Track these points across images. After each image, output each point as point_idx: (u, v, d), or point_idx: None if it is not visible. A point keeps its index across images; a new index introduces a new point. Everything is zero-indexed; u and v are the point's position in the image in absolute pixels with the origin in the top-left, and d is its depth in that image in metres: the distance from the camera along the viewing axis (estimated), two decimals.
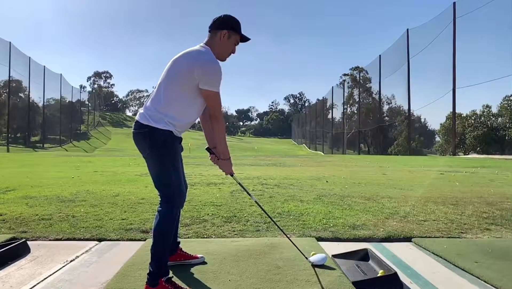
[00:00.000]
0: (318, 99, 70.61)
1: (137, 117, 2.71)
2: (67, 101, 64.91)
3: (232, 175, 2.96)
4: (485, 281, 2.86)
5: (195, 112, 2.73)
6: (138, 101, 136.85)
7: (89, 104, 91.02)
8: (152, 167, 2.68)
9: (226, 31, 2.73)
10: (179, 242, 3.18)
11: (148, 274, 2.59)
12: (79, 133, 71.19)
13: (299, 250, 2.85)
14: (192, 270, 3.03)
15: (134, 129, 2.69)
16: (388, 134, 49.53)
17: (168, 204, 2.63)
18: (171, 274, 2.66)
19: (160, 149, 2.61)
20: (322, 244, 3.79)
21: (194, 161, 15.83)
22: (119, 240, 3.94)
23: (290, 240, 2.96)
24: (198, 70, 2.57)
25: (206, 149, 2.99)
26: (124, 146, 51.82)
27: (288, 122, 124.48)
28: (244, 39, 2.84)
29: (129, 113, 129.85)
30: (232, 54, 2.83)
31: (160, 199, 2.70)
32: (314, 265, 3.06)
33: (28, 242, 3.65)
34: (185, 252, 3.18)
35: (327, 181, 9.07)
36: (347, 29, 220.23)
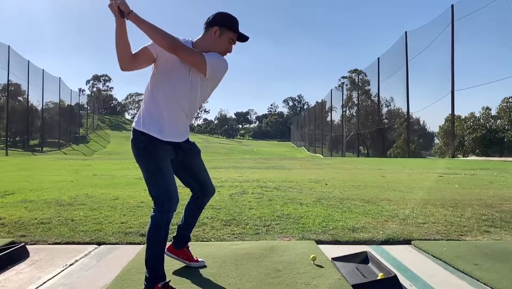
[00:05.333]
0: (317, 102, 70.83)
1: None
2: (66, 104, 64.89)
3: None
4: (484, 284, 2.86)
5: (163, 96, 2.60)
6: (137, 104, 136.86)
7: (88, 108, 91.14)
8: (142, 172, 2.69)
9: (217, 28, 2.66)
10: (190, 239, 3.19)
11: (145, 279, 2.58)
12: (78, 136, 71.12)
13: None
14: (191, 273, 3.02)
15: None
16: (387, 137, 49.61)
17: (158, 208, 2.59)
18: (168, 278, 2.64)
19: (143, 154, 2.62)
20: (321, 247, 3.78)
21: None
22: (118, 244, 3.93)
23: None
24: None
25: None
26: (123, 149, 51.76)
27: (287, 125, 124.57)
28: (242, 38, 2.76)
29: (128, 116, 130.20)
30: (228, 53, 2.76)
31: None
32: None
33: (27, 246, 3.64)
34: (190, 252, 3.19)
35: (326, 184, 9.07)
36: (346, 31, 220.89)
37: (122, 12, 2.41)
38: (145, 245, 2.65)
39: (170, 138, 2.66)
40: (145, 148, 2.61)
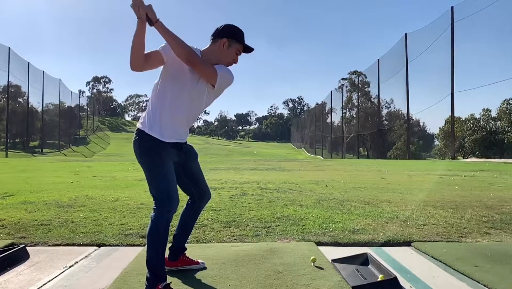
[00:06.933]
0: (317, 104, 70.82)
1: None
2: (66, 106, 64.88)
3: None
4: (484, 285, 2.86)
5: (170, 99, 2.67)
6: (137, 106, 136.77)
7: (88, 109, 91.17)
8: (144, 172, 2.72)
9: (226, 40, 2.75)
10: (185, 248, 3.19)
11: (146, 279, 2.59)
12: (78, 138, 71.10)
13: None
14: (192, 275, 3.02)
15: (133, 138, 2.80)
16: (387, 138, 49.54)
17: (158, 208, 2.63)
18: (169, 280, 2.65)
19: (147, 154, 2.67)
20: (321, 248, 3.78)
21: None
22: (119, 245, 3.94)
23: None
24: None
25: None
26: (123, 150, 51.72)
27: (287, 127, 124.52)
28: (247, 49, 2.86)
29: (128, 118, 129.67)
30: (234, 64, 2.85)
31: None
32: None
33: (27, 248, 3.64)
34: (188, 258, 3.19)
35: (326, 185, 9.07)
36: (346, 33, 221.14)
37: (149, 20, 2.47)
38: (145, 247, 2.67)
39: (172, 140, 2.72)
40: (150, 148, 2.65)
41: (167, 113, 2.68)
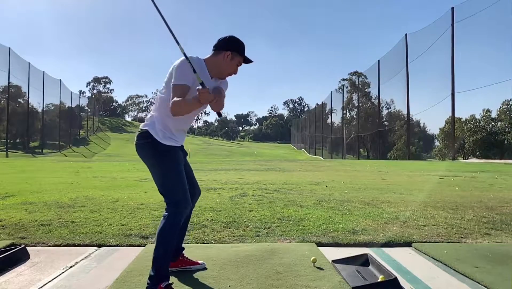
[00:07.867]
0: (317, 104, 70.89)
1: (141, 126, 2.86)
2: (66, 106, 64.96)
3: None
4: (485, 286, 2.86)
5: (174, 118, 2.75)
6: (137, 107, 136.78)
7: (88, 110, 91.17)
8: (155, 175, 2.78)
9: (230, 53, 2.83)
10: (183, 248, 3.20)
11: (148, 278, 2.62)
12: (78, 138, 71.15)
13: None
14: (192, 275, 3.02)
15: (138, 140, 2.82)
16: (387, 139, 49.53)
17: (173, 208, 2.70)
18: (171, 280, 2.66)
19: (162, 157, 2.74)
20: (322, 249, 3.78)
21: (193, 166, 15.76)
22: (119, 246, 3.94)
23: None
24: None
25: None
26: (123, 151, 51.76)
27: (287, 127, 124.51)
28: (247, 61, 2.95)
29: (128, 118, 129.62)
30: (234, 74, 2.93)
31: (166, 205, 2.76)
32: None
33: (27, 248, 3.64)
34: (187, 258, 3.20)
35: (326, 186, 9.07)
36: (346, 34, 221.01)
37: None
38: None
39: (179, 144, 2.88)
40: (166, 151, 2.74)
41: (173, 126, 2.80)
